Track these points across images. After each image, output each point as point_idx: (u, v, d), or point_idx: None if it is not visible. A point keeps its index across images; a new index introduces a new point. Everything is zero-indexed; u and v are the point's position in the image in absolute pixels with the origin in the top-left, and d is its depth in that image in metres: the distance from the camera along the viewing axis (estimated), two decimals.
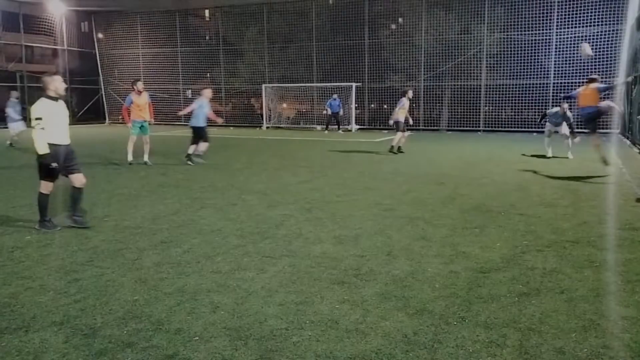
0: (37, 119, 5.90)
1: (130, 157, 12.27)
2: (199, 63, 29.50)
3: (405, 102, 14.36)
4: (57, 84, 6.15)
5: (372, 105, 26.92)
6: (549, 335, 3.45)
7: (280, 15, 27.74)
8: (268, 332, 3.50)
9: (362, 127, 25.73)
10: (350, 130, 24.54)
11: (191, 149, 12.36)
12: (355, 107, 25.66)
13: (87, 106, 31.64)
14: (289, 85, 27.12)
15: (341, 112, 24.01)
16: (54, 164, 5.99)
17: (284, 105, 29.39)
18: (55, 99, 6.16)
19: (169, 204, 7.75)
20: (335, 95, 23.86)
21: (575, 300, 4.02)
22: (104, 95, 31.75)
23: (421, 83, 24.78)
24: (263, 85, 26.95)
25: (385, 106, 26.85)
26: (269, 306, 3.93)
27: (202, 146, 12.48)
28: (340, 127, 24.15)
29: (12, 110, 16.85)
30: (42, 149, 5.92)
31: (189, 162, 12.16)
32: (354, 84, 25.01)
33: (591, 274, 4.62)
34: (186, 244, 5.62)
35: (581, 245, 5.50)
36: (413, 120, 15.03)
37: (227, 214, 7.01)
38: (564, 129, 13.35)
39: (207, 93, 12.92)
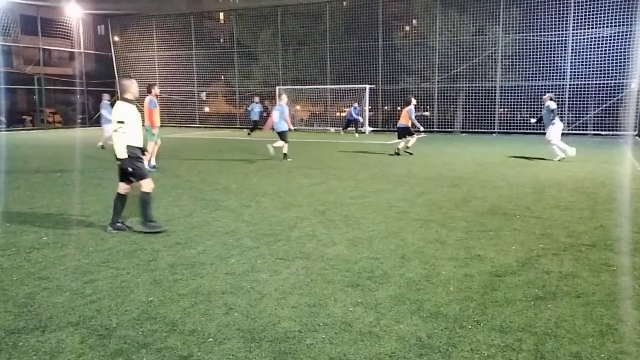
0: (119, 122, 5.97)
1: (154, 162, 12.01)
2: (213, 65, 29.68)
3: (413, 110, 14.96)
4: (135, 87, 6.29)
5: (386, 108, 26.86)
6: (565, 340, 3.41)
7: (294, 17, 27.82)
8: (282, 334, 3.51)
9: (375, 129, 25.68)
10: (363, 133, 24.50)
11: (280, 144, 13.74)
12: (369, 109, 25.61)
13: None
14: (303, 87, 27.16)
15: (360, 120, 24.04)
16: (130, 168, 6.05)
17: (298, 107, 29.44)
18: (132, 102, 6.25)
19: (183, 205, 7.80)
20: (355, 104, 23.86)
21: (592, 305, 3.97)
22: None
23: (435, 85, 24.68)
24: (277, 88, 27.03)
25: (399, 108, 26.77)
26: (283, 308, 3.94)
27: (279, 143, 13.81)
28: (357, 130, 24.09)
29: (106, 112, 16.84)
30: (122, 153, 6.00)
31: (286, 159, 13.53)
32: (367, 86, 24.97)
33: (608, 278, 4.56)
34: (200, 245, 5.65)
35: (598, 249, 5.44)
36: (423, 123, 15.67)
37: (241, 216, 7.04)
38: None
39: (285, 98, 14.14)
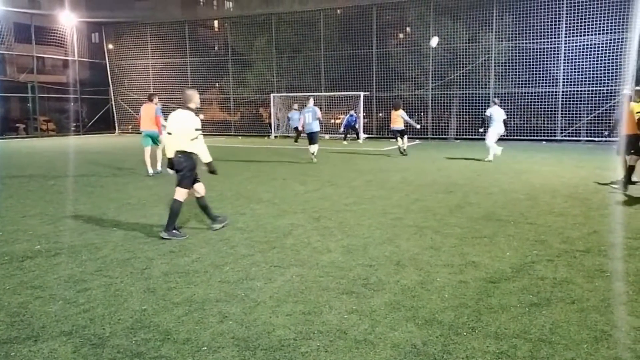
0: (197, 129, 6.23)
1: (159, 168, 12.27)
2: (208, 73, 29.69)
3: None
4: (198, 97, 6.47)
5: (381, 115, 26.91)
6: (560, 346, 3.41)
7: (289, 25, 27.90)
8: (276, 342, 3.49)
9: (370, 136, 25.73)
10: (358, 139, 24.55)
11: (313, 149, 14.79)
12: (364, 116, 25.67)
13: (97, 116, 31.92)
14: (297, 94, 27.21)
15: (357, 125, 24.04)
16: (188, 172, 6.30)
17: None
18: (194, 111, 6.39)
19: None
20: (352, 112, 23.89)
21: (586, 311, 3.98)
22: (113, 106, 32.00)
23: (429, 92, 24.77)
24: (271, 95, 27.06)
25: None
26: (277, 316, 3.92)
27: (313, 148, 14.86)
28: (359, 136, 24.13)
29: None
30: (208, 156, 6.36)
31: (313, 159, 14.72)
32: (362, 93, 25.04)
33: (602, 284, 4.57)
34: (194, 253, 5.63)
35: (592, 255, 5.45)
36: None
37: (235, 223, 7.02)
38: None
39: (312, 101, 15.25)
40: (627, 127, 9.71)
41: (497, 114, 14.82)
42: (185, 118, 6.22)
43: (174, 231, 6.25)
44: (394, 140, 17.10)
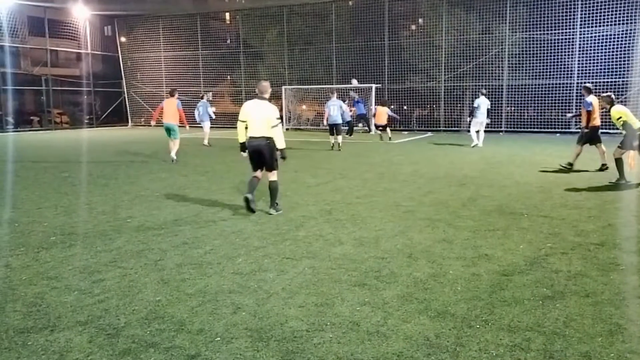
0: (277, 118, 6.96)
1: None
2: (219, 65, 29.73)
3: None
4: (270, 89, 7.28)
5: (392, 107, 26.75)
6: (574, 339, 3.39)
7: (300, 17, 27.80)
8: (289, 334, 3.51)
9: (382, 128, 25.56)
10: (369, 132, 24.45)
11: (339, 139, 16.15)
12: (375, 108, 25.50)
13: (110, 109, 32.14)
14: (309, 87, 27.15)
15: (369, 114, 22.91)
16: (282, 157, 7.15)
17: (304, 107, 29.43)
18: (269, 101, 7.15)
19: (190, 205, 7.82)
20: (355, 95, 22.83)
21: (600, 304, 3.95)
22: (126, 98, 32.17)
23: (442, 84, 24.60)
24: (283, 87, 27.02)
25: (405, 107, 26.70)
26: (290, 307, 3.94)
27: (339, 138, 16.15)
28: (370, 127, 23.20)
29: (204, 110, 18.42)
30: (283, 143, 7.10)
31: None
32: (373, 85, 24.92)
33: (617, 277, 4.53)
34: (207, 245, 5.66)
35: (606, 248, 5.40)
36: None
37: (248, 216, 7.04)
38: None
39: (335, 94, 16.97)
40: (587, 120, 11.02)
41: (484, 104, 16.26)
42: (267, 107, 6.96)
43: (277, 206, 7.16)
44: (406, 133, 18.57)
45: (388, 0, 25.41)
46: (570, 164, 11.31)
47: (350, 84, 21.00)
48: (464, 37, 23.79)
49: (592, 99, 11.04)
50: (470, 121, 17.00)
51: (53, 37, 28.72)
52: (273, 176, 7.11)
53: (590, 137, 11.08)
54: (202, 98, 19.12)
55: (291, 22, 27.88)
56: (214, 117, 18.72)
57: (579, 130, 12.31)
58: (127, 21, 31.98)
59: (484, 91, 16.87)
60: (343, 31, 26.72)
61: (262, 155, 7.00)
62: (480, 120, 16.46)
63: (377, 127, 19.01)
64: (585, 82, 21.56)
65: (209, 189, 9.25)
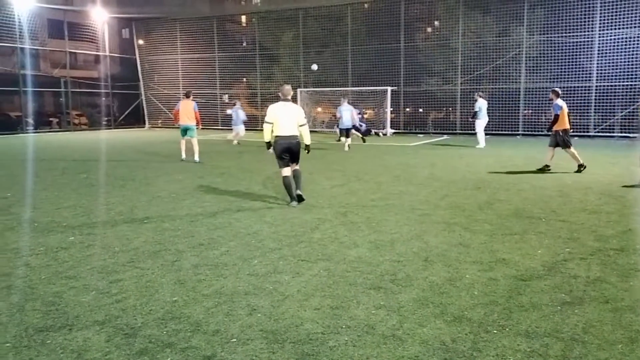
0: (304, 117, 7.99)
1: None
2: (235, 68, 29.89)
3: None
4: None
5: (408, 109, 26.72)
6: (593, 346, 3.34)
7: (316, 20, 27.85)
8: (304, 336, 3.51)
9: (397, 131, 25.55)
10: (385, 135, 24.40)
11: (347, 140, 17.46)
12: (391, 110, 25.49)
13: (127, 111, 32.49)
14: (324, 89, 27.17)
15: (362, 125, 21.18)
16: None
17: (319, 109, 29.46)
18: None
19: (206, 206, 7.87)
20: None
21: (620, 311, 3.89)
22: (144, 100, 32.49)
23: (458, 86, 24.46)
24: (298, 90, 27.08)
25: (420, 110, 26.59)
26: (305, 310, 3.94)
27: (349, 140, 17.50)
28: (372, 131, 23.18)
29: (236, 114, 19.68)
30: (310, 140, 8.24)
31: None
32: (389, 88, 24.87)
33: (637, 284, 4.46)
34: (223, 246, 5.69)
35: (626, 253, 5.32)
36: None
37: (263, 217, 7.07)
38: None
39: (346, 99, 18.14)
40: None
41: (485, 106, 17.40)
42: (294, 108, 7.92)
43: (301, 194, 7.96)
44: (421, 135, 19.00)
45: (404, 3, 25.35)
46: (547, 166, 11.79)
47: (311, 69, 21.77)
48: (480, 39, 23.64)
49: (561, 102, 11.58)
50: (474, 122, 18.11)
51: (72, 39, 29.14)
52: (297, 166, 8.01)
53: (563, 140, 11.54)
54: (234, 105, 20.25)
55: (307, 24, 27.94)
56: (246, 119, 20.05)
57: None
58: (144, 24, 32.30)
59: (482, 94, 18.11)
60: (359, 33, 26.71)
61: (292, 151, 7.84)
62: (486, 121, 17.75)
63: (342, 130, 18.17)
64: (603, 85, 21.48)
65: (225, 190, 9.30)
